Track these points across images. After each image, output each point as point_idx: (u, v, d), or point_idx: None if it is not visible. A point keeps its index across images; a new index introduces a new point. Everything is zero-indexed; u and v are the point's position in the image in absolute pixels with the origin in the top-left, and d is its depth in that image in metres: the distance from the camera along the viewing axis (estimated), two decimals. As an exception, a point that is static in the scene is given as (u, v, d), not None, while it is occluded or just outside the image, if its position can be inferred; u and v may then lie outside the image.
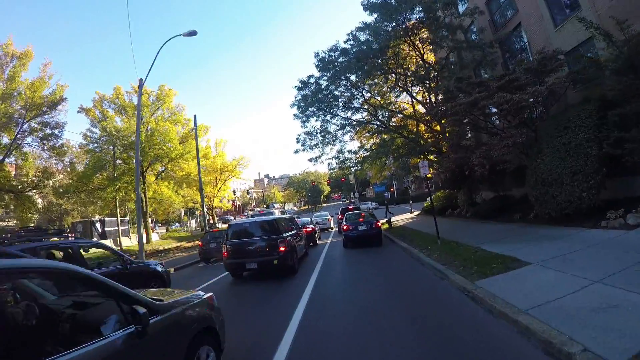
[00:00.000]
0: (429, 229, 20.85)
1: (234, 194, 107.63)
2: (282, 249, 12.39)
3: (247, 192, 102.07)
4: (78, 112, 39.40)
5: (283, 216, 16.74)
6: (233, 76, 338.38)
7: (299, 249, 15.19)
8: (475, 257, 11.21)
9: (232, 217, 64.98)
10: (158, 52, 22.84)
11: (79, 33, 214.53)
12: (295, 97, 29.49)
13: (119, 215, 39.92)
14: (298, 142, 30.39)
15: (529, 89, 15.10)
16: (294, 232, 15.17)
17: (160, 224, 75.67)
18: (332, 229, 34.76)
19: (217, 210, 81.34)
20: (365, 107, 30.13)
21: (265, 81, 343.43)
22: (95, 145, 38.96)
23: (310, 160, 30.71)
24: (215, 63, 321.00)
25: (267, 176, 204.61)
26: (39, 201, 57.41)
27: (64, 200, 46.89)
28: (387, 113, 29.65)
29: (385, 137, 29.28)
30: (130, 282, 9.63)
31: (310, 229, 21.91)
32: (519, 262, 9.71)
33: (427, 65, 27.56)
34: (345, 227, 20.00)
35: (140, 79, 22.32)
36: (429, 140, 28.38)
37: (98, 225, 43.07)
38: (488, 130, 20.43)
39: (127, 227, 48.04)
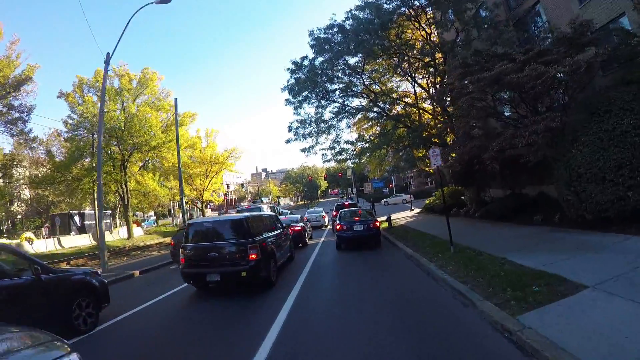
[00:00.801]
0: (435, 230, 18.32)
1: (227, 187, 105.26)
2: (253, 256, 9.63)
3: (242, 185, 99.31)
4: (58, 97, 36.82)
5: (260, 213, 13.81)
6: (232, 75, 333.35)
7: (280, 254, 12.45)
8: (505, 273, 8.57)
9: (225, 211, 62.30)
10: (128, 22, 20.42)
11: (63, 15, 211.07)
12: (288, 81, 26.69)
13: (96, 208, 36.98)
14: (290, 130, 27.66)
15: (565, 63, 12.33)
16: (275, 233, 12.49)
17: (152, 217, 73.15)
18: (326, 226, 32.03)
19: (211, 204, 78.77)
20: (365, 94, 27.33)
21: (265, 79, 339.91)
22: (75, 132, 36.35)
23: (303, 150, 27.53)
24: (214, 62, 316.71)
25: (264, 170, 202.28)
26: (27, 193, 55.10)
27: (50, 192, 44.60)
28: (388, 100, 26.78)
29: (387, 126, 26.57)
30: (44, 298, 7.51)
31: (299, 228, 19.21)
32: (570, 285, 7.11)
33: (433, 46, 24.73)
34: (338, 227, 17.36)
35: (108, 53, 19.51)
36: (433, 130, 25.69)
37: (77, 218, 40.51)
38: (502, 119, 17.77)
39: (109, 221, 45.44)
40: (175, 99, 29.27)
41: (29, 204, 58.40)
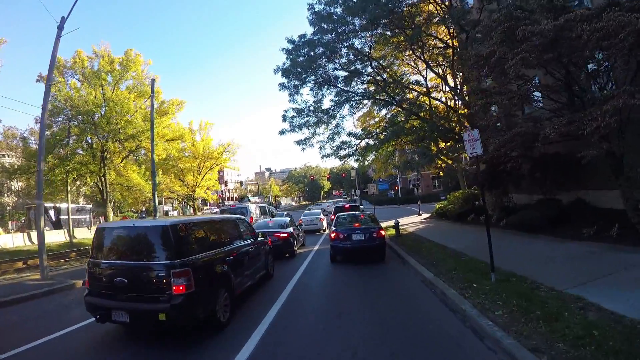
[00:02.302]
0: (455, 242, 14.90)
1: (226, 185, 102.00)
2: (179, 288, 5.92)
3: (241, 183, 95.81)
4: (37, 81, 33.40)
5: (212, 217, 9.63)
6: (232, 76, 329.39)
7: (243, 278, 8.75)
8: (602, 334, 5.01)
9: (217, 210, 58.98)
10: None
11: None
12: (284, 64, 23.02)
13: (69, 202, 33.67)
14: (285, 120, 24.04)
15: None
16: (236, 246, 8.83)
17: (142, 213, 69.66)
18: (323, 231, 28.28)
19: (211, 202, 75.29)
20: (373, 80, 23.67)
21: (268, 77, 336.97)
22: (53, 120, 32.94)
23: (299, 143, 23.72)
24: (216, 63, 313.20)
25: (268, 169, 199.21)
26: (16, 183, 51.92)
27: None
28: (398, 88, 23.04)
29: (399, 117, 22.95)
30: None
31: (285, 235, 15.51)
32: None
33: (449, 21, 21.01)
34: (333, 234, 13.73)
35: (63, 17, 16.09)
36: (452, 123, 22.05)
37: (52, 212, 37.02)
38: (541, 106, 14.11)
39: (88, 216, 42.01)
40: (152, 80, 25.85)
41: (19, 195, 55.42)
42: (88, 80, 32.34)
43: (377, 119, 30.14)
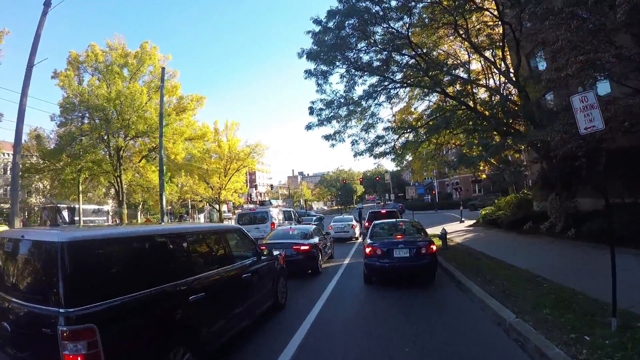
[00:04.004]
0: (520, 259, 11.94)
1: (255, 188, 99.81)
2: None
3: (271, 187, 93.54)
4: (52, 77, 31.60)
5: (180, 227, 6.14)
6: (267, 83, 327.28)
7: (230, 320, 5.80)
8: None
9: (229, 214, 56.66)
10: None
11: None
12: (310, 49, 19.94)
13: (81, 202, 31.80)
14: (312, 113, 20.96)
15: None
16: (225, 271, 5.97)
17: (183, 216, 67.99)
18: (356, 239, 25.09)
19: (240, 206, 72.84)
20: (412, 63, 20.38)
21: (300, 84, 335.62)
22: (68, 117, 31.22)
23: (327, 138, 20.70)
24: (249, 70, 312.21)
25: (300, 173, 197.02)
26: (40, 184, 51.19)
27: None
28: (442, 72, 19.60)
29: (446, 105, 19.69)
30: None
31: (307, 247, 12.40)
32: None
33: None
34: (368, 250, 10.54)
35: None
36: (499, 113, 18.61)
37: (65, 213, 35.17)
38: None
39: (105, 218, 40.22)
40: (163, 68, 23.53)
41: (45, 195, 54.89)
42: (101, 75, 30.52)
43: (414, 117, 26.83)
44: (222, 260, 6.12)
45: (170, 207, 57.02)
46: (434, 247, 10.39)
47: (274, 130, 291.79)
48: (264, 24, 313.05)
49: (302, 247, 12.19)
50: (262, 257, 7.67)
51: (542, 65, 22.40)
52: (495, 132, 17.93)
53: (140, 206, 49.50)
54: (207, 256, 5.89)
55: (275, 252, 9.10)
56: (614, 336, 5.52)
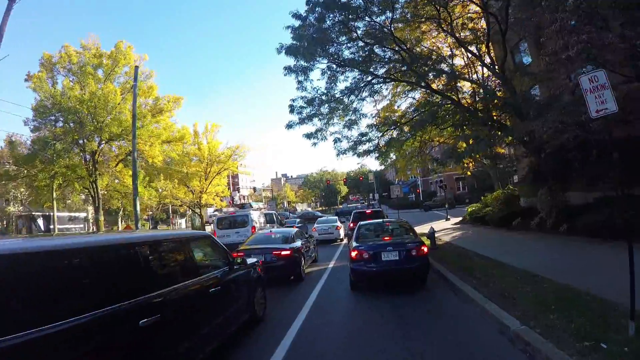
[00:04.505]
0: (513, 259, 11.17)
1: (238, 191, 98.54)
2: None
3: (254, 189, 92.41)
4: (25, 80, 30.22)
5: (109, 237, 4.94)
6: (256, 87, 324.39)
7: (195, 341, 4.95)
8: None
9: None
10: None
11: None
12: (291, 44, 19.11)
13: (55, 209, 30.55)
14: (292, 111, 20.13)
15: None
16: (185, 286, 5.01)
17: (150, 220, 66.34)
18: (340, 240, 24.31)
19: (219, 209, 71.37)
20: (397, 56, 19.66)
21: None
22: (42, 121, 29.94)
23: (309, 137, 19.90)
24: (235, 75, 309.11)
25: (284, 175, 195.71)
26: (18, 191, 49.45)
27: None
28: (427, 65, 18.92)
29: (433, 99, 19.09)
30: None
31: (288, 252, 11.54)
32: None
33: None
34: (354, 253, 9.74)
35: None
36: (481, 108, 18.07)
37: (40, 221, 34.00)
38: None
39: (82, 225, 38.92)
40: (136, 67, 22.36)
41: (24, 204, 53.13)
42: (75, 76, 29.35)
43: (398, 114, 26.22)
44: (185, 273, 5.22)
45: (150, 213, 55.54)
46: (425, 249, 9.64)
47: (257, 133, 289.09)
48: (247, 25, 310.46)
49: (283, 252, 11.33)
50: (236, 267, 6.82)
51: (526, 60, 22.04)
52: (484, 126, 17.29)
53: (121, 212, 48.00)
54: (165, 270, 5.00)
55: (252, 260, 8.27)
56: (634, 341, 4.90)
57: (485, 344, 5.99)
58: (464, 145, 20.73)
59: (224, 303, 6.09)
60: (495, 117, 18.31)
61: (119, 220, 48.91)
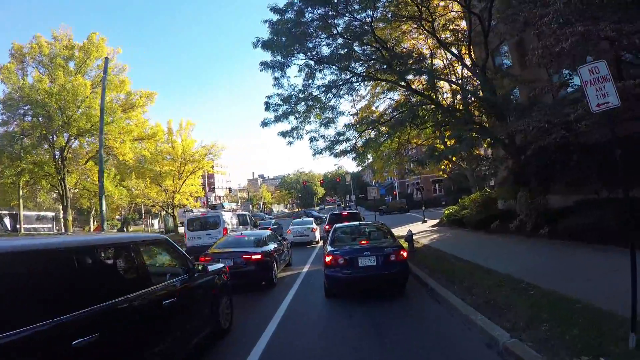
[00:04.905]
0: (496, 262, 10.66)
1: (214, 191, 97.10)
2: None
3: (230, 190, 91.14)
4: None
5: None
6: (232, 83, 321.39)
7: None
8: None
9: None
10: None
11: None
12: (269, 38, 18.37)
13: (21, 208, 29.22)
14: (268, 108, 19.36)
15: None
16: (125, 300, 4.16)
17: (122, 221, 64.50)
18: (316, 243, 23.65)
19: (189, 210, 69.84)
20: (376, 53, 19.13)
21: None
22: (10, 115, 28.60)
23: (284, 135, 19.22)
24: (216, 76, 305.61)
25: (261, 176, 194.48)
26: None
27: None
28: (407, 64, 18.42)
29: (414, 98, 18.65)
30: None
31: (259, 256, 10.76)
32: None
33: None
34: (329, 259, 9.06)
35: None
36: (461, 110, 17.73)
37: (7, 220, 32.31)
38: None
39: (50, 225, 37.33)
40: (106, 59, 21.36)
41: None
42: (46, 68, 28.21)
43: (376, 115, 25.79)
44: (133, 283, 4.50)
45: (121, 213, 54.07)
46: (405, 253, 9.04)
47: (236, 133, 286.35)
48: (228, 25, 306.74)
49: (254, 257, 10.59)
50: (197, 274, 6.09)
51: (507, 62, 21.88)
52: (465, 125, 16.89)
53: (93, 212, 46.37)
54: (107, 279, 4.26)
55: (218, 265, 7.54)
56: (636, 355, 4.53)
57: (475, 357, 5.44)
58: (442, 147, 20.41)
59: (181, 316, 5.37)
60: (475, 119, 17.97)
61: (91, 220, 47.35)
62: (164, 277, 5.35)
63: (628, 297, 6.51)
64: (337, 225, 12.02)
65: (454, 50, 20.82)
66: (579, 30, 7.85)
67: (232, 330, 7.21)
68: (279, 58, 18.05)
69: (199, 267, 6.20)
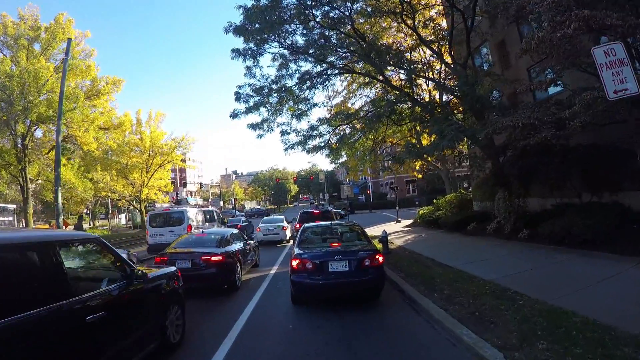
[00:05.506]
0: (476, 267, 10.22)
1: (184, 186, 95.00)
2: None
3: (200, 185, 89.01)
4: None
5: None
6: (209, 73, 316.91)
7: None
8: None
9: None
10: None
11: None
12: (241, 22, 17.29)
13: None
14: (238, 99, 18.31)
15: None
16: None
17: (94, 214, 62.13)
18: (286, 242, 22.66)
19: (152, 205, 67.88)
20: (355, 43, 18.29)
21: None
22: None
23: (254, 127, 18.23)
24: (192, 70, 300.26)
25: (234, 172, 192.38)
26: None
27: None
28: (389, 58, 17.65)
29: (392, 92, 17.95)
30: None
31: (220, 258, 9.54)
32: None
33: None
34: (296, 262, 8.09)
35: None
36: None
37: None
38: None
39: (11, 218, 35.43)
40: (69, 40, 19.90)
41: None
42: (10, 50, 26.57)
43: (352, 112, 25.09)
44: (43, 295, 3.51)
45: (85, 208, 51.97)
46: (381, 258, 8.11)
47: (209, 127, 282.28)
48: (202, 15, 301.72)
49: (214, 258, 9.54)
50: (137, 280, 5.09)
51: (486, 65, 21.46)
52: (446, 120, 16.22)
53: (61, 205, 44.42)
54: (9, 292, 3.29)
55: (168, 269, 6.52)
56: None
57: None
58: (418, 146, 19.75)
59: (116, 331, 4.41)
60: (454, 116, 17.42)
61: (31, 213, 45.39)
62: (93, 285, 4.36)
63: (628, 311, 5.85)
64: (307, 224, 11.02)
65: (434, 47, 20.22)
66: (584, 14, 7.12)
67: (184, 345, 6.20)
68: (251, 45, 17.08)
69: (139, 273, 5.19)
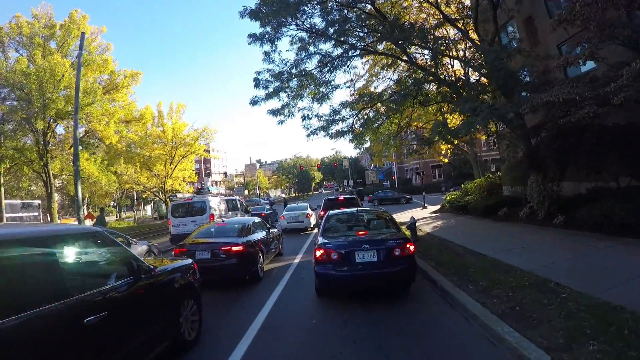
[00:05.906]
0: (513, 257, 9.41)
1: (209, 176, 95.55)
2: None
3: (225, 174, 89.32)
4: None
5: None
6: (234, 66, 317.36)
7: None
8: None
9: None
10: None
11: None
12: (257, 4, 16.75)
13: (3, 196, 27.82)
14: (257, 85, 17.79)
15: None
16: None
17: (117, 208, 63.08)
18: (311, 229, 22.25)
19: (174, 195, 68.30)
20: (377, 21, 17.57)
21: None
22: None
23: (274, 113, 17.83)
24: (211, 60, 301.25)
25: (258, 161, 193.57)
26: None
27: None
28: (412, 34, 16.85)
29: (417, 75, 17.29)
30: None
31: (240, 248, 9.19)
32: None
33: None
34: (320, 253, 7.60)
35: None
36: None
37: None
38: None
39: (36, 213, 35.99)
40: (82, 34, 19.39)
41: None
42: (26, 49, 26.76)
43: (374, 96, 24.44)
44: (38, 296, 3.15)
45: (112, 201, 52.66)
46: (412, 247, 7.55)
47: (232, 113, 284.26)
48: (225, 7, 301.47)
49: (235, 248, 9.15)
50: (145, 276, 4.69)
51: (514, 42, 20.53)
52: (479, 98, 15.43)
53: (87, 198, 44.89)
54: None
55: (183, 262, 6.13)
56: None
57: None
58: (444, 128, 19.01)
59: (122, 331, 4.05)
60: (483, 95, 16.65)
61: (85, 207, 46.08)
62: (93, 284, 3.95)
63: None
64: (331, 212, 10.40)
65: (459, 26, 19.34)
66: None
67: (200, 342, 5.83)
68: (268, 29, 16.52)
69: (147, 268, 4.79)
